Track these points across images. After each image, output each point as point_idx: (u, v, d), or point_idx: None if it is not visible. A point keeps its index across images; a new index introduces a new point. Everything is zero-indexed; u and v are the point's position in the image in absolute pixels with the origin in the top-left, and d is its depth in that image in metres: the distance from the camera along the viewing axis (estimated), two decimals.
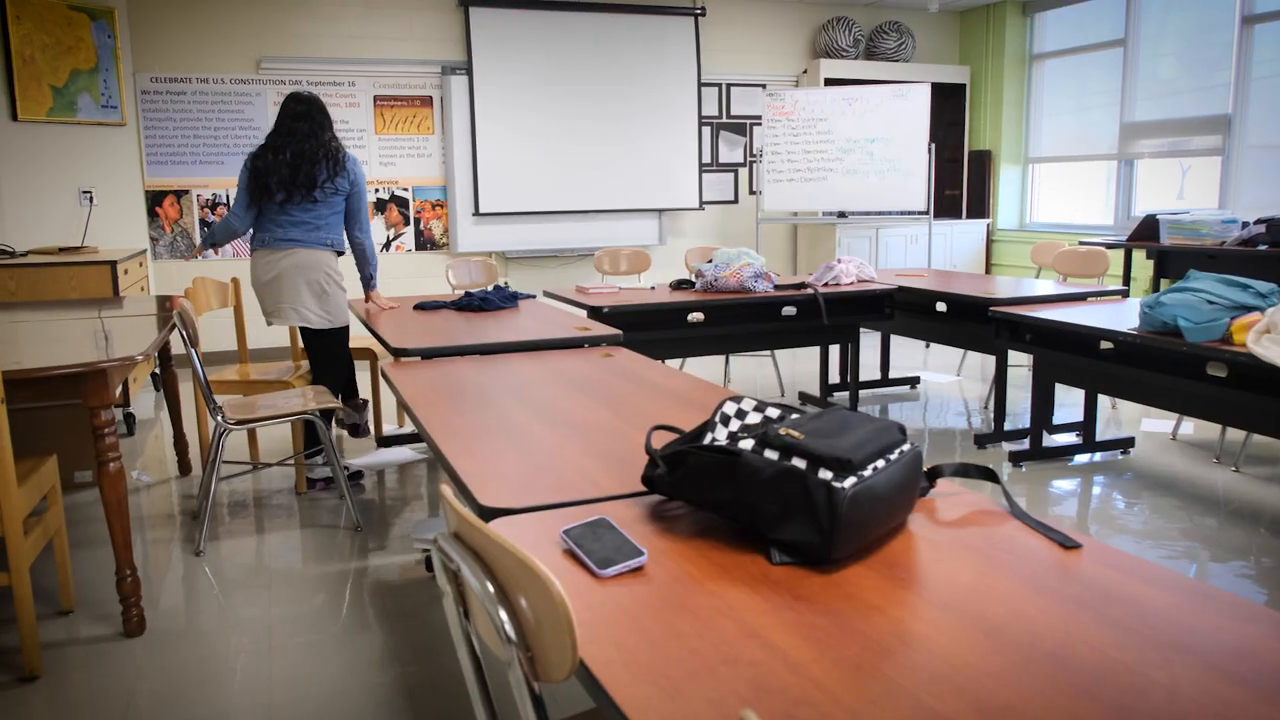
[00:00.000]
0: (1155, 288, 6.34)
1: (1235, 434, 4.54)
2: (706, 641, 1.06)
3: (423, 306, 3.88)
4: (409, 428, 4.97)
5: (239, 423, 3.37)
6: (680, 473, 1.41)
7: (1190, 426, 4.87)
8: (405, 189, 7.17)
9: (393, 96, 7.05)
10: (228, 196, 6.71)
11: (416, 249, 7.26)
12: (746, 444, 1.36)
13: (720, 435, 1.48)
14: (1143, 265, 6.81)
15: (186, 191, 6.65)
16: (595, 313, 4.11)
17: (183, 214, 6.66)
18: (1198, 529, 3.54)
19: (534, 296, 4.23)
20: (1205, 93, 7.06)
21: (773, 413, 1.49)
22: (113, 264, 5.11)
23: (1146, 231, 6.49)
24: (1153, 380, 3.55)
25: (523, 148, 7.35)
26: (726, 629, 1.09)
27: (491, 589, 1.00)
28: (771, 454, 1.32)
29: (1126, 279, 6.78)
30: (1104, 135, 7.93)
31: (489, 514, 1.49)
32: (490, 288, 4.06)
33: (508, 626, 0.98)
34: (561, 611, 0.91)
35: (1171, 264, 6.41)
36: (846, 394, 5.23)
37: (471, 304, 3.81)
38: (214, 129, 6.65)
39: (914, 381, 5.98)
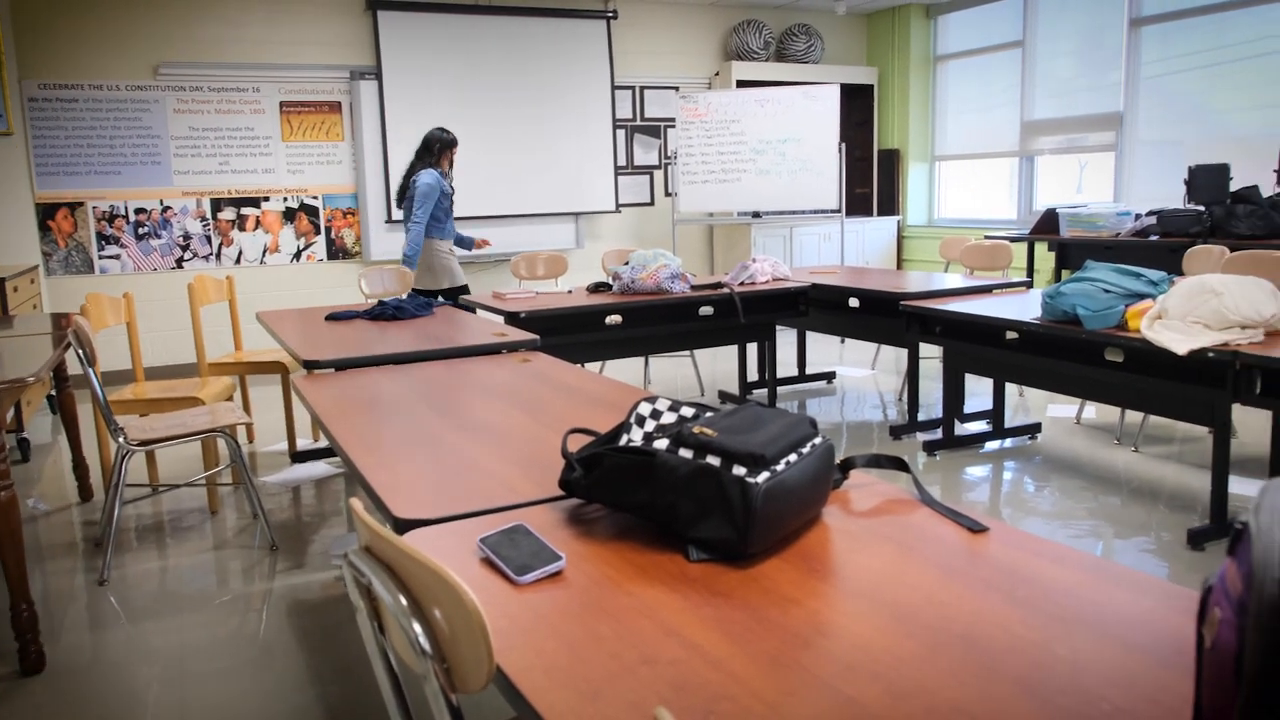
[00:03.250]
0: (1057, 278, 6.57)
1: (1134, 416, 4.72)
2: (626, 643, 1.06)
3: (335, 317, 3.81)
4: (325, 442, 4.86)
5: (142, 444, 3.26)
6: (597, 475, 1.41)
7: (1093, 410, 5.05)
8: (315, 197, 7.02)
9: (300, 103, 6.90)
10: (126, 208, 6.48)
11: (328, 258, 7.12)
12: (661, 444, 1.36)
13: (636, 436, 1.48)
14: (1045, 257, 7.05)
15: (81, 204, 6.40)
16: (512, 318, 4.08)
17: (77, 227, 6.41)
18: (1102, 508, 3.68)
19: (449, 303, 4.18)
20: (1099, 91, 7.34)
21: (687, 412, 1.50)
22: (0, 280, 4.89)
23: (1047, 225, 6.71)
24: (1056, 367, 3.67)
25: None
26: (645, 629, 1.09)
27: (404, 602, 0.99)
28: (686, 453, 1.32)
29: (1030, 271, 7.01)
30: (1006, 133, 8.19)
31: (404, 526, 1.47)
32: (404, 296, 4.00)
33: (421, 639, 0.96)
34: (475, 620, 0.90)
35: (1071, 255, 6.64)
36: (765, 391, 5.29)
37: (385, 313, 3.74)
38: (110, 138, 6.41)
39: (830, 376, 6.08)
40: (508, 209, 7.53)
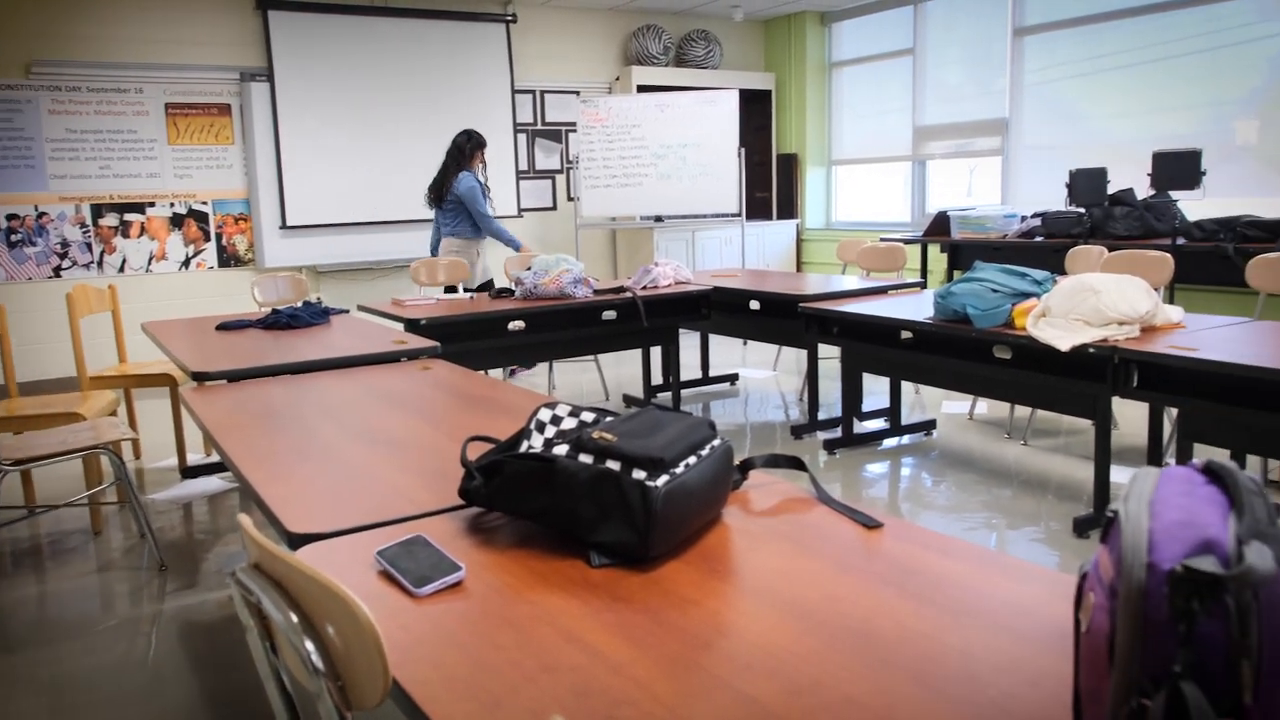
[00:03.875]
0: (949, 279, 6.78)
1: (1023, 410, 4.91)
2: (526, 651, 1.05)
3: (226, 326, 3.68)
4: (218, 456, 4.70)
5: (17, 463, 3.09)
6: (497, 483, 1.40)
7: (984, 406, 5.23)
8: (204, 203, 6.78)
9: (187, 105, 6.66)
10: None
11: (219, 266, 6.88)
12: (561, 450, 1.35)
13: (536, 443, 1.47)
14: (937, 258, 7.27)
15: None
16: (412, 325, 4.01)
17: None
18: (995, 500, 3.81)
19: (347, 311, 4.09)
20: (986, 98, 7.62)
21: (587, 416, 1.50)
22: None
23: (939, 227, 6.93)
24: (949, 365, 3.79)
25: (332, 157, 7.10)
26: (546, 637, 1.08)
27: (295, 619, 0.96)
28: (586, 458, 1.32)
29: (923, 272, 7.22)
30: (899, 138, 8.42)
31: (299, 541, 1.43)
32: (300, 304, 3.90)
33: (314, 656, 0.94)
34: (369, 635, 0.88)
35: (962, 256, 6.87)
36: (669, 394, 5.32)
37: (280, 321, 3.64)
38: None
39: (733, 378, 6.15)
40: (408, 214, 7.40)
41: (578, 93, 8.14)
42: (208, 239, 6.82)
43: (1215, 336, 3.12)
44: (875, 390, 5.41)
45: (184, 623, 2.91)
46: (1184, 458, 3.33)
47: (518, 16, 7.84)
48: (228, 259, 6.90)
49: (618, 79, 8.42)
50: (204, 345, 3.29)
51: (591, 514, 1.30)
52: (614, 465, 1.30)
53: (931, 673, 0.96)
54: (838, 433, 4.69)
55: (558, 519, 1.33)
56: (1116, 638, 0.64)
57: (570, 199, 8.21)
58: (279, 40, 6.83)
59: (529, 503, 1.36)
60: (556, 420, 1.50)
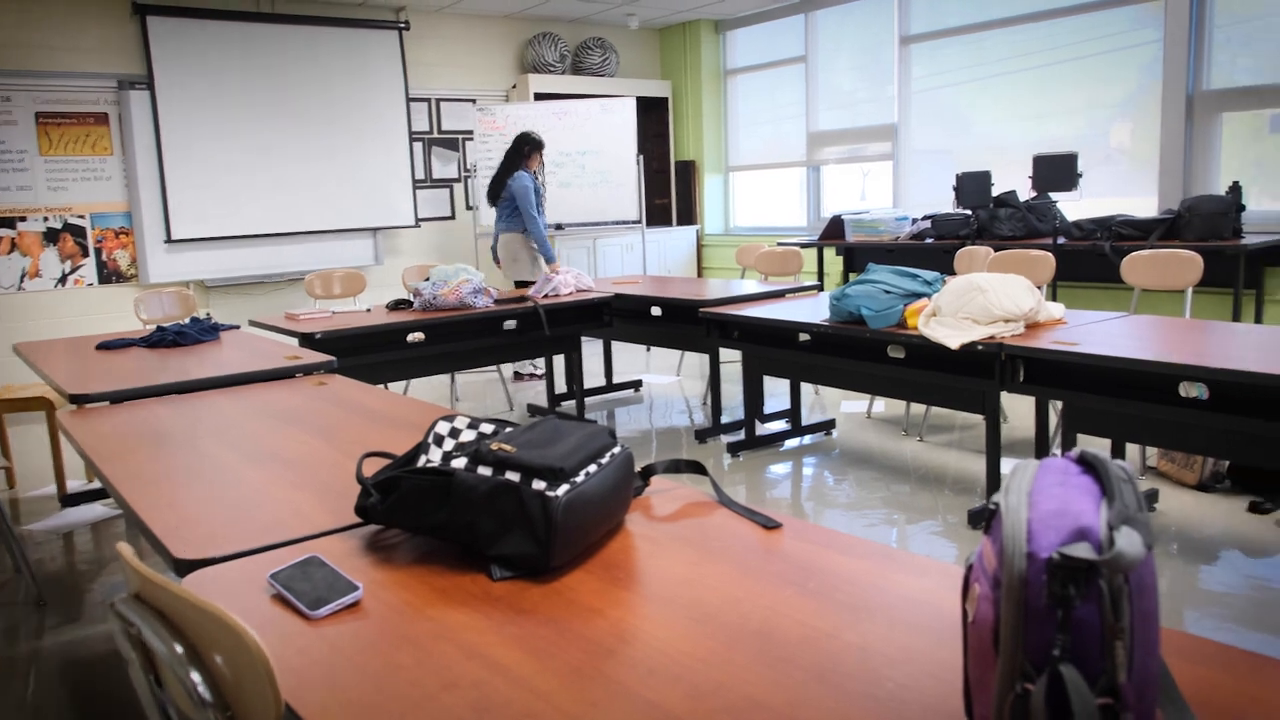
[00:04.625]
0: (845, 281, 6.94)
1: (918, 407, 5.05)
2: (427, 669, 1.03)
3: (107, 346, 3.52)
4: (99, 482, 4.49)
5: None
6: (394, 499, 1.37)
7: (882, 405, 5.37)
8: (81, 216, 6.48)
9: (60, 114, 6.36)
10: None
11: (99, 282, 6.58)
12: (459, 463, 1.33)
13: (435, 456, 1.45)
14: (833, 261, 7.43)
15: None
16: (307, 340, 3.91)
17: None
18: (894, 496, 3.91)
19: (238, 327, 3.96)
20: (876, 104, 7.83)
21: (486, 428, 1.48)
22: None
23: (834, 230, 7.09)
24: (846, 366, 3.87)
25: (220, 168, 6.87)
26: (447, 653, 1.06)
27: (180, 650, 0.92)
28: (485, 470, 1.30)
29: (820, 275, 7.38)
30: (794, 144, 8.59)
31: (186, 567, 1.37)
32: (187, 320, 3.76)
33: (200, 688, 0.90)
34: (259, 661, 0.85)
35: (857, 259, 7.05)
36: (573, 402, 5.31)
37: (165, 339, 3.50)
38: None
39: (637, 385, 6.18)
40: (300, 225, 7.22)
41: (474, 101, 8.07)
42: (86, 254, 6.52)
43: (1094, 331, 3.27)
44: (777, 392, 5.50)
45: (65, 660, 2.77)
46: (1070, 449, 3.47)
47: (411, 24, 7.73)
48: (108, 275, 6.61)
49: (514, 87, 8.38)
50: (83, 366, 3.14)
51: (491, 527, 1.28)
52: (513, 477, 1.28)
53: (831, 669, 0.98)
54: (741, 435, 4.74)
55: (457, 533, 1.31)
56: (1000, 626, 0.66)
57: (469, 208, 8.13)
58: (159, 47, 6.58)
59: (428, 518, 1.34)
60: (455, 433, 1.48)
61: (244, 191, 6.99)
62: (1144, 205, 6.15)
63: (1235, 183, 5.53)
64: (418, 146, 7.91)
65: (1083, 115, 6.56)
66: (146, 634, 0.95)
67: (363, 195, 7.52)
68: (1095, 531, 0.64)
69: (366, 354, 4.09)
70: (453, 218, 8.19)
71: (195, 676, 0.90)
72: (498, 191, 5.99)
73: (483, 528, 1.29)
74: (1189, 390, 2.76)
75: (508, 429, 1.46)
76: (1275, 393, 2.59)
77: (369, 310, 4.61)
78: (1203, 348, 2.92)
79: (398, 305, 4.57)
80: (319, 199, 7.33)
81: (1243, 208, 5.42)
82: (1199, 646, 0.97)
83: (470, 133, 8.02)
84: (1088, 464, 0.72)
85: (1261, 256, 5.51)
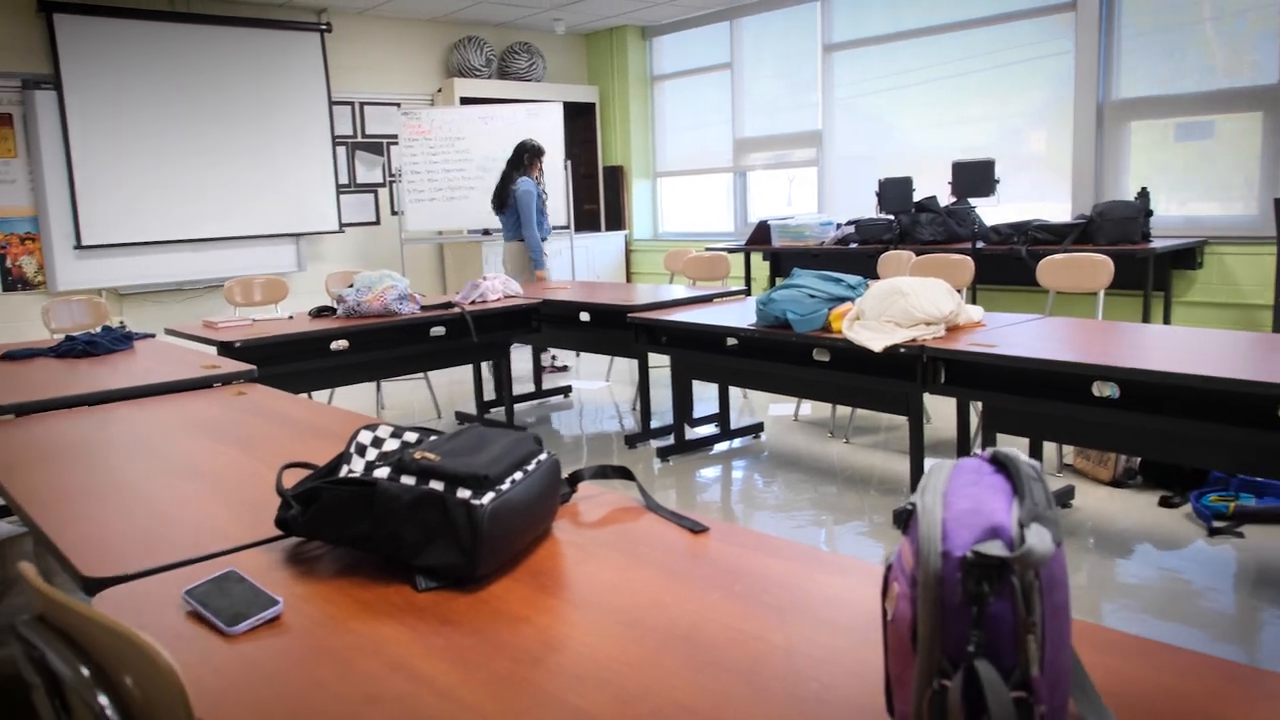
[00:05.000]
0: (771, 286, 7.03)
1: (844, 410, 5.13)
2: (349, 684, 1.01)
3: (12, 356, 3.39)
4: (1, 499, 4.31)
5: None
6: (315, 510, 1.34)
7: (808, 407, 5.44)
8: None
9: None
10: None
11: (4, 290, 6.33)
12: (382, 472, 1.31)
13: (357, 466, 1.42)
14: (760, 266, 7.52)
15: None
16: (226, 348, 3.81)
17: None
18: (822, 497, 3.96)
19: (153, 336, 3.84)
20: (801, 111, 7.94)
21: (410, 437, 1.46)
22: None
23: (761, 236, 7.17)
24: (773, 369, 3.91)
25: (133, 172, 6.67)
26: (371, 667, 1.04)
27: (86, 673, 0.88)
28: (408, 479, 1.28)
29: (747, 280, 7.45)
30: (720, 150, 8.67)
31: (96, 585, 1.32)
32: (99, 329, 3.63)
33: (109, 711, 0.87)
34: (171, 682, 0.82)
35: (783, 264, 7.13)
36: (502, 409, 5.27)
37: (75, 349, 3.38)
38: None
39: (566, 391, 6.16)
40: (219, 231, 7.05)
41: (398, 105, 7.97)
42: None
43: (1012, 333, 3.36)
44: (705, 396, 5.53)
45: None
46: (990, 448, 3.56)
47: (332, 26, 7.61)
48: (13, 282, 6.36)
49: (440, 91, 8.30)
50: None
51: (416, 537, 1.26)
52: (438, 485, 1.27)
53: (757, 671, 0.98)
54: (670, 440, 4.76)
55: (381, 544, 1.29)
56: (918, 624, 0.67)
57: (394, 213, 8.02)
58: (66, 46, 6.36)
59: (350, 529, 1.31)
60: (378, 442, 1.45)
61: (159, 196, 6.79)
62: (1058, 210, 6.35)
63: (1144, 189, 5.74)
64: (341, 151, 7.79)
65: (1000, 123, 6.74)
66: (50, 657, 0.91)
67: (284, 200, 7.37)
68: (1007, 529, 0.65)
69: (288, 362, 4.01)
70: (378, 223, 8.08)
71: (103, 700, 0.87)
72: (503, 200, 6.10)
73: (407, 538, 1.27)
74: (1102, 390, 2.85)
75: (432, 437, 1.45)
76: (1183, 391, 2.69)
77: (291, 318, 4.52)
78: (1114, 348, 3.03)
79: (321, 312, 4.48)
80: (239, 204, 7.16)
81: (1151, 213, 5.63)
82: (1111, 638, 1.00)
83: (395, 137, 7.92)
84: (1000, 463, 0.74)
85: (1169, 259, 5.72)
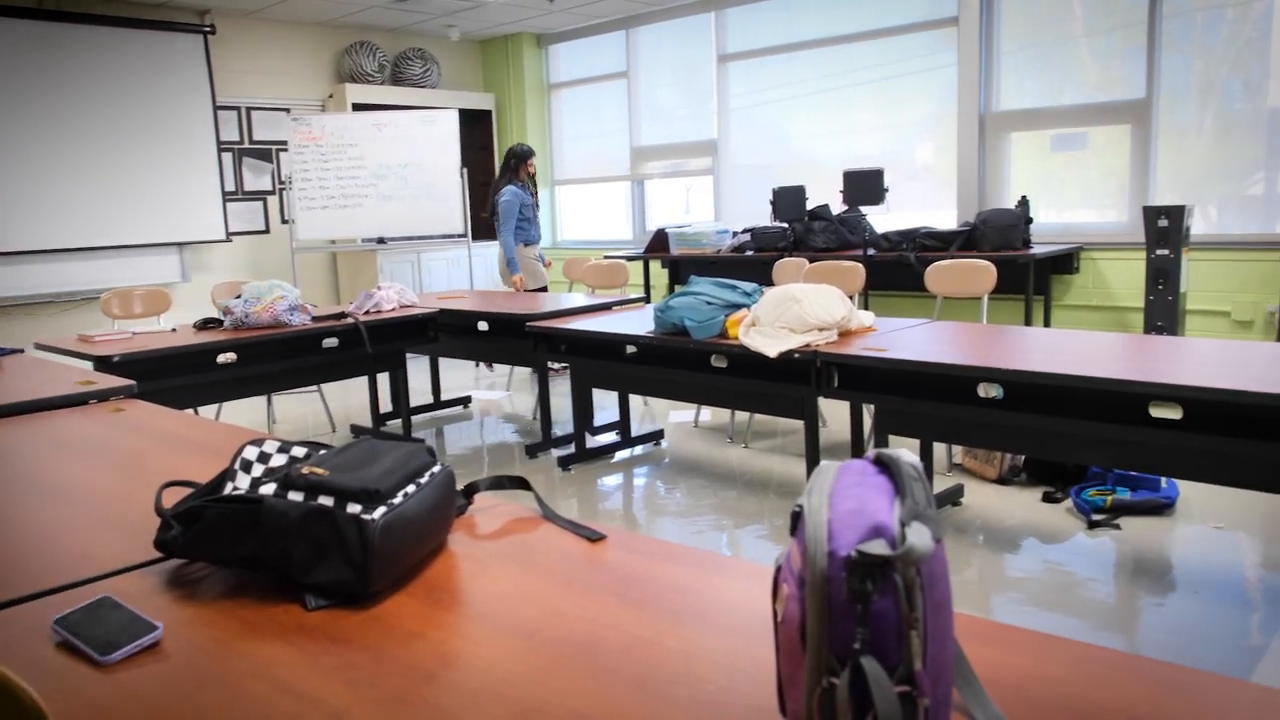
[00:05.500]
0: (670, 293, 7.09)
1: (742, 415, 5.20)
2: (235, 709, 0.97)
3: None
4: None
5: None
6: (197, 530, 1.29)
7: (708, 413, 5.50)
8: None
9: None
10: None
11: None
12: (268, 489, 1.27)
13: (242, 483, 1.37)
14: (659, 274, 7.57)
15: None
16: (103, 363, 3.65)
17: None
18: (723, 502, 4.00)
19: (21, 351, 3.64)
20: (697, 120, 8.04)
21: (298, 452, 1.41)
22: None
23: (659, 244, 7.23)
24: (672, 376, 3.94)
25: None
26: (258, 691, 1.01)
27: None
28: (296, 495, 1.24)
29: (646, 287, 7.50)
30: (618, 158, 8.71)
31: None
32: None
33: None
34: (34, 718, 0.78)
35: (681, 271, 7.20)
36: (399, 421, 5.18)
37: None
38: None
39: (466, 401, 6.09)
40: (96, 240, 6.74)
41: (288, 110, 7.77)
42: None
43: (902, 338, 3.46)
44: (606, 404, 5.54)
45: None
46: (884, 449, 3.65)
47: (217, 28, 7.37)
48: None
49: (331, 96, 8.12)
50: None
51: (305, 554, 1.22)
52: (327, 501, 1.23)
53: (654, 677, 0.98)
54: (571, 449, 4.75)
55: (268, 563, 1.25)
56: (806, 624, 0.68)
57: (285, 221, 7.81)
58: None
59: (235, 549, 1.27)
60: (264, 458, 1.41)
61: (28, 203, 6.46)
62: (945, 218, 6.58)
63: (1024, 197, 5.99)
64: (228, 157, 7.54)
65: (889, 133, 6.95)
66: None
67: (167, 208, 7.10)
68: (889, 528, 0.67)
69: (171, 377, 3.86)
70: (267, 232, 7.85)
71: None
72: (493, 209, 6.29)
73: (295, 555, 1.23)
74: (987, 391, 2.95)
75: (321, 452, 1.41)
76: (1062, 391, 2.81)
77: (174, 330, 4.35)
78: (998, 351, 3.14)
79: (207, 324, 4.33)
80: (117, 212, 6.86)
81: (1031, 220, 5.88)
82: (994, 630, 1.03)
83: (285, 143, 7.71)
84: (883, 464, 0.75)
85: (1048, 265, 5.99)
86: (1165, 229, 5.17)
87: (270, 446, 1.43)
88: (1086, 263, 5.99)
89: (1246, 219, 5.61)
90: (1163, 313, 5.24)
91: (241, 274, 7.57)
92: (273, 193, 7.87)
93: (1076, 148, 6.18)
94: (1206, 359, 2.88)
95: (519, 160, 6.32)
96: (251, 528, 1.25)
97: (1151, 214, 5.22)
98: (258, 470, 1.39)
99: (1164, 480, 3.70)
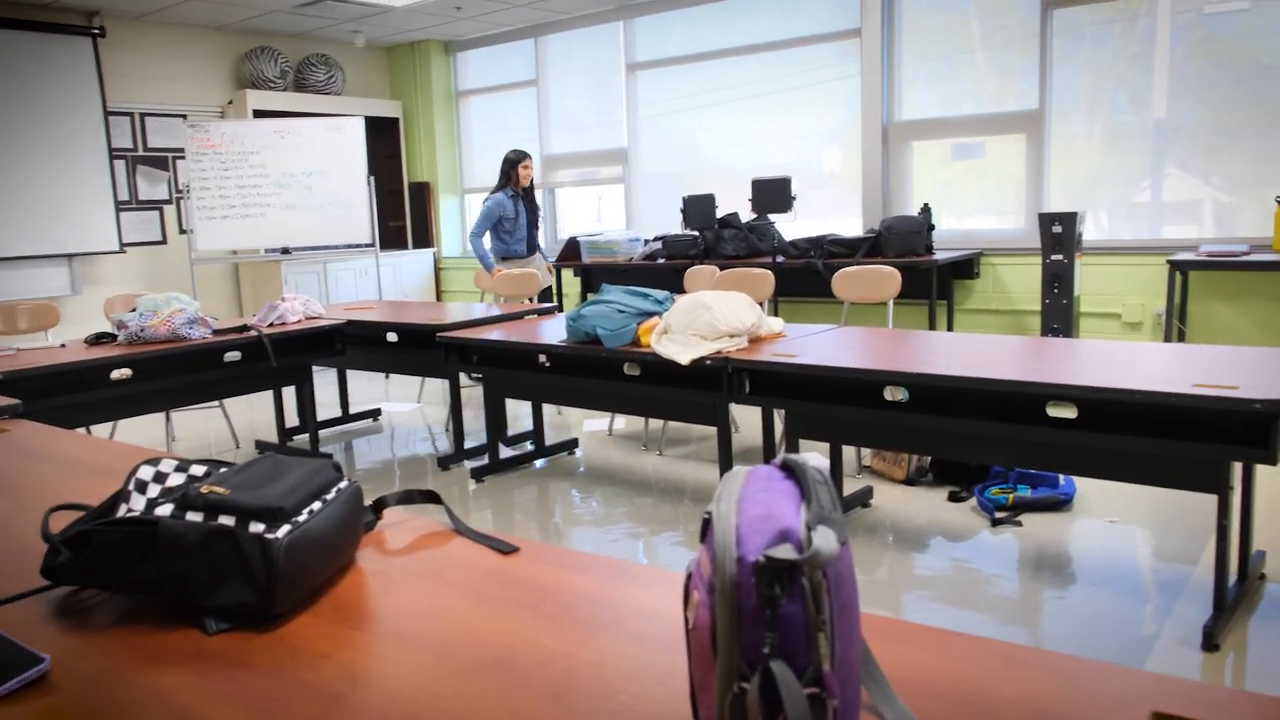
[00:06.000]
0: (583, 302, 7.08)
1: (656, 422, 5.23)
2: None
3: None
4: None
5: None
6: (89, 556, 1.23)
7: (622, 422, 5.51)
8: None
9: None
10: None
11: None
12: (165, 510, 1.22)
13: (137, 505, 1.32)
14: (571, 282, 7.56)
15: None
16: None
17: None
18: (638, 510, 4.01)
19: None
20: (608, 129, 8.06)
21: (197, 470, 1.37)
22: None
23: (571, 252, 7.22)
24: (585, 385, 3.94)
25: None
26: None
27: None
28: (195, 516, 1.20)
29: (559, 296, 7.48)
30: None
31: None
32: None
33: None
34: None
35: (594, 279, 7.20)
36: (306, 436, 5.05)
37: None
38: None
39: (376, 414, 5.98)
40: None
41: (185, 116, 7.52)
42: None
43: (810, 343, 3.52)
44: (520, 414, 5.50)
45: None
46: (795, 453, 3.71)
47: (107, 30, 7.10)
48: None
49: (231, 103, 7.90)
50: None
51: (205, 576, 1.18)
52: (228, 521, 1.19)
53: (567, 688, 0.98)
54: (485, 460, 4.70)
55: (165, 587, 1.20)
56: (717, 630, 0.68)
57: (183, 232, 7.56)
58: None
59: (130, 573, 1.21)
60: (161, 477, 1.35)
61: None
62: (851, 225, 6.73)
63: (926, 204, 6.16)
64: (120, 165, 7.27)
65: (796, 142, 7.08)
66: None
67: (54, 218, 6.80)
68: (796, 532, 0.68)
69: (61, 395, 3.69)
70: (164, 242, 7.58)
71: None
72: None
73: (196, 578, 1.18)
74: (893, 394, 3.03)
75: (222, 470, 1.36)
76: (965, 393, 2.90)
77: (64, 346, 4.17)
78: (903, 355, 3.22)
79: (99, 339, 4.16)
80: (0, 222, 6.54)
81: (933, 227, 6.06)
82: (901, 629, 1.05)
83: (182, 151, 7.46)
84: (789, 469, 0.76)
85: (950, 270, 6.17)
86: (1059, 235, 5.38)
87: (167, 466, 1.37)
88: (986, 268, 6.19)
89: (1135, 225, 5.87)
90: (1058, 316, 5.45)
91: (136, 286, 7.29)
92: (170, 202, 7.61)
93: (975, 156, 6.39)
94: (1099, 360, 3.00)
95: (509, 165, 6.19)
96: (147, 551, 1.20)
97: (1046, 220, 5.43)
98: (154, 491, 1.34)
99: (1062, 477, 3.84)
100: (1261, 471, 3.02)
